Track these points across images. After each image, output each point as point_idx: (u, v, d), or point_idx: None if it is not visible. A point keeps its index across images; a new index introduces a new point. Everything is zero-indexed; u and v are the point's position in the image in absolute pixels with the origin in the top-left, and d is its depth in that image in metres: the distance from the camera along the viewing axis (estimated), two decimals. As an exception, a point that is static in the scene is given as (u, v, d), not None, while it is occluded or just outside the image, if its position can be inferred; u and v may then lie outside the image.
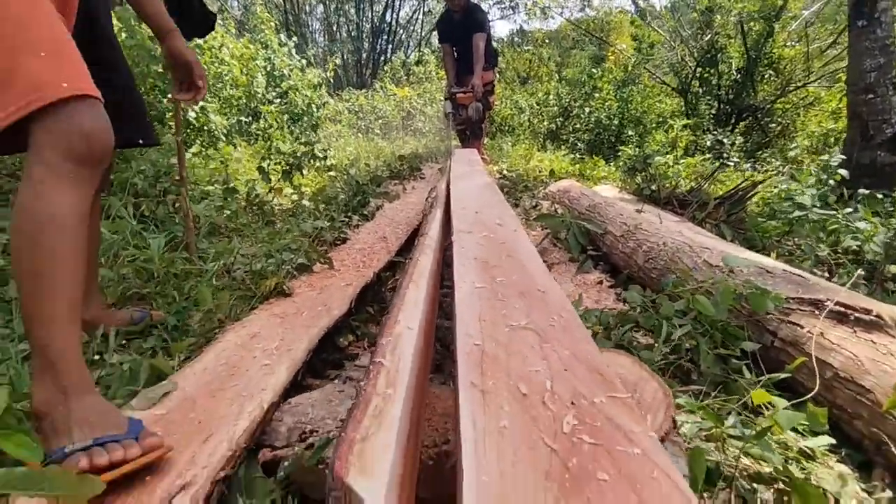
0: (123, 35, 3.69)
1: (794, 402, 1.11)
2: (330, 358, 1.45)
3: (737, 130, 7.71)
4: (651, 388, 0.89)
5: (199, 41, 4.56)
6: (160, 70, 3.45)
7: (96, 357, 1.30)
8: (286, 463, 0.84)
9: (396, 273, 1.91)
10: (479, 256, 1.14)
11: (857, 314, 1.29)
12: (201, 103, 4.66)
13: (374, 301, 1.76)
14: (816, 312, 1.36)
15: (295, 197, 3.02)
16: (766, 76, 8.05)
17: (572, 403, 0.59)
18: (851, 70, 4.03)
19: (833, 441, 1.17)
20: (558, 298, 0.90)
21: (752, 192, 2.78)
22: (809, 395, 1.12)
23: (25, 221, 0.88)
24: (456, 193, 1.94)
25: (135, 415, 0.99)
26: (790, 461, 1.12)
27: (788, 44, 7.93)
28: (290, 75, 5.75)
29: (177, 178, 2.12)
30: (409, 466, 0.67)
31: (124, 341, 1.43)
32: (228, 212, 2.31)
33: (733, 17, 7.36)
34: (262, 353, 1.24)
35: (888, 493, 1.07)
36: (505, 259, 1.13)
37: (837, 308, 1.34)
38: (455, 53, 4.68)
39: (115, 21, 4.07)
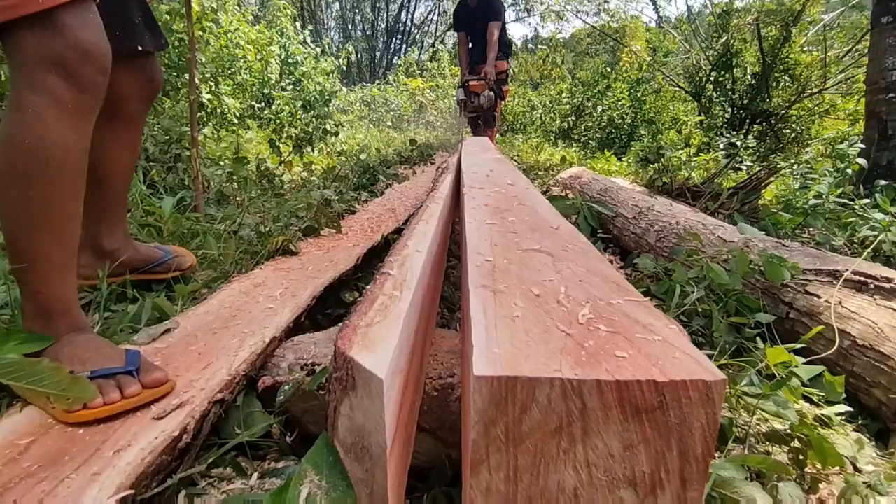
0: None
1: (810, 359, 1.07)
2: (335, 313, 1.43)
3: (750, 135, 7.63)
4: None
5: (216, 27, 4.57)
6: (173, 47, 3.47)
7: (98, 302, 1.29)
8: (286, 387, 0.82)
9: (404, 239, 1.89)
10: (490, 204, 1.11)
11: (876, 282, 1.25)
12: (215, 88, 4.67)
13: (382, 265, 1.74)
14: (834, 282, 1.32)
15: (305, 174, 3.01)
16: (782, 82, 7.97)
17: (587, 302, 0.56)
18: (871, 69, 3.96)
19: (850, 409, 1.13)
20: (572, 231, 0.87)
21: (767, 181, 2.73)
22: (829, 353, 1.08)
23: (17, 159, 0.75)
24: (467, 163, 1.92)
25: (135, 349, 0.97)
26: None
27: (806, 48, 7.85)
28: (303, 62, 5.76)
29: (187, 145, 2.11)
30: (415, 370, 0.64)
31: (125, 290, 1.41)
32: (237, 179, 2.30)
33: (751, 18, 7.29)
34: (265, 299, 1.22)
35: (907, 459, 1.03)
36: (517, 206, 1.10)
37: (856, 278, 1.30)
38: (469, 42, 4.68)
39: None
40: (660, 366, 0.43)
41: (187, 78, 2.99)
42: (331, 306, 1.45)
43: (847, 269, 1.32)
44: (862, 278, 1.29)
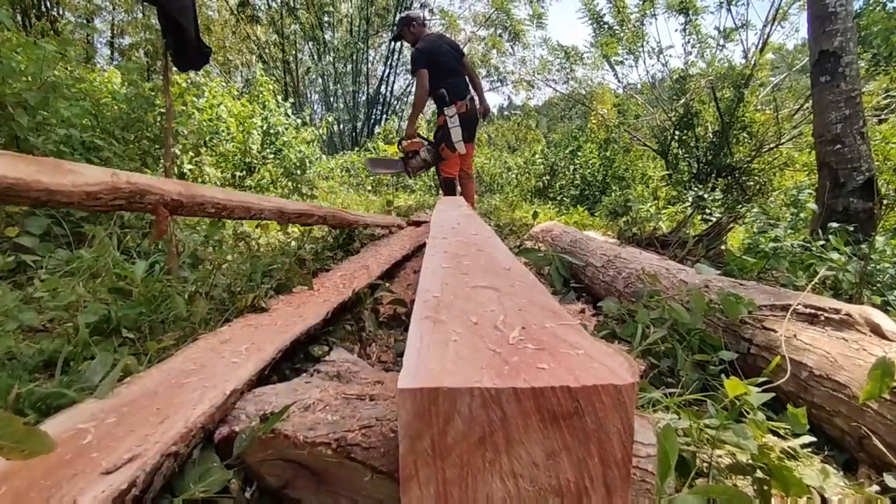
0: (124, 89, 3.87)
1: (766, 387, 1.09)
2: (303, 368, 1.42)
3: (717, 188, 7.98)
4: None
5: (200, 102, 4.76)
6: (153, 118, 3.59)
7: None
8: (242, 436, 0.81)
9: (376, 293, 1.91)
10: (448, 251, 1.16)
11: (826, 314, 1.30)
12: (196, 157, 4.80)
13: (352, 319, 1.75)
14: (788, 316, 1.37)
15: (282, 237, 3.05)
16: (741, 138, 8.44)
17: (522, 328, 0.59)
18: (817, 123, 4.25)
19: (814, 439, 1.14)
20: (522, 271, 0.91)
21: (729, 228, 2.84)
22: (780, 381, 1.10)
23: None
24: (436, 219, 1.98)
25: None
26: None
27: (759, 107, 8.38)
28: (284, 132, 5.98)
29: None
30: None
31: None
32: (212, 243, 2.33)
33: (705, 82, 7.83)
34: (231, 354, 1.22)
35: (875, 487, 1.04)
36: (475, 252, 1.14)
37: (808, 311, 1.35)
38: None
39: (117, 74, 4.25)
40: (576, 374, 0.45)
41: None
42: (299, 360, 1.45)
43: (798, 304, 1.37)
44: (813, 311, 1.34)
